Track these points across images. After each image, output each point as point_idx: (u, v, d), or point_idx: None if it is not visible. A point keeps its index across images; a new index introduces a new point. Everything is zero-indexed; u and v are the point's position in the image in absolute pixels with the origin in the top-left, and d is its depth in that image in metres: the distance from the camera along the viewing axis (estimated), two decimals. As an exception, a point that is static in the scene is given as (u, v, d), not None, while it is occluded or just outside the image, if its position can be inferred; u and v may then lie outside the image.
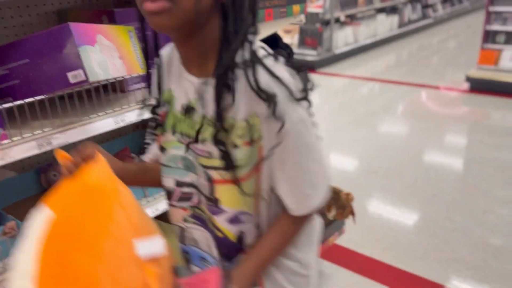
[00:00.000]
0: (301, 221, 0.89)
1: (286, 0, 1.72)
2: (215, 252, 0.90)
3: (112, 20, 1.36)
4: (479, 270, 2.19)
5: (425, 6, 9.41)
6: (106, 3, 1.65)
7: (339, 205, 2.01)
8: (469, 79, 5.05)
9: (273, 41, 1.78)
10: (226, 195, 0.83)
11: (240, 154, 0.79)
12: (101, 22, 1.39)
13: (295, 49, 6.45)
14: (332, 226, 2.09)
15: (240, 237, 0.88)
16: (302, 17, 1.86)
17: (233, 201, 0.84)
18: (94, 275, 0.69)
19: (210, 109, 0.79)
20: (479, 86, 5.00)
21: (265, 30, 1.74)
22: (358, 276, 2.18)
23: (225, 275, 0.84)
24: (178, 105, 0.87)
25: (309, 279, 0.99)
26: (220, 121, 0.77)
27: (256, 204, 0.86)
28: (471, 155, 3.51)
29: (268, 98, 0.74)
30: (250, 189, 0.83)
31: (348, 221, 2.20)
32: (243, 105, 0.77)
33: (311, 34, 6.44)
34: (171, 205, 0.93)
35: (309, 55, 6.34)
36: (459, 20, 10.26)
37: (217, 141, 0.78)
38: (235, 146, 0.79)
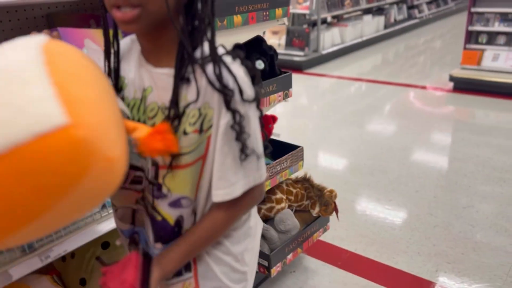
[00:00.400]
0: (233, 210, 0.93)
1: (269, 4, 1.78)
2: (151, 236, 0.95)
3: (99, 25, 1.40)
4: (459, 263, 2.26)
5: (411, 7, 9.55)
6: (94, 8, 1.69)
7: (322, 202, 2.08)
8: (452, 78, 5.16)
9: (257, 43, 1.84)
10: (170, 180, 0.89)
11: (188, 141, 0.85)
12: (89, 26, 1.43)
13: (283, 50, 6.52)
14: (316, 222, 2.15)
15: (179, 221, 0.92)
16: (285, 20, 1.92)
17: (175, 186, 0.89)
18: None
19: (164, 97, 0.86)
20: (462, 86, 5.11)
21: (249, 33, 1.79)
22: (343, 272, 2.24)
23: (146, 260, 0.88)
24: (129, 92, 0.93)
25: (246, 275, 1.04)
26: (174, 109, 0.84)
27: (196, 190, 0.91)
28: (454, 153, 3.60)
29: (224, 91, 0.81)
30: (193, 175, 0.89)
31: (333, 218, 2.27)
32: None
33: (299, 35, 6.51)
34: (123, 187, 0.96)
35: (297, 55, 6.42)
36: (444, 21, 10.42)
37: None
38: (185, 133, 0.85)
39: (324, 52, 6.69)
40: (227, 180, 0.88)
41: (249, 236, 1.04)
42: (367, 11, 8.14)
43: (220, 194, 0.89)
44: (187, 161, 0.87)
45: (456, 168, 3.30)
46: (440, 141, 3.87)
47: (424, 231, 2.54)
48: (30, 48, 0.69)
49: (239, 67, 0.85)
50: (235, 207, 0.92)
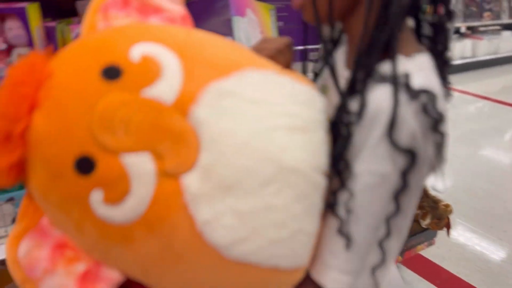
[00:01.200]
0: None
1: None
2: None
3: (257, -2, 1.46)
4: None
5: (561, 29, 8.55)
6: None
7: (435, 215, 1.98)
8: None
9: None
10: None
11: None
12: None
13: (406, 54, 6.24)
14: (423, 234, 2.06)
15: None
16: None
17: None
18: None
19: (333, 104, 0.66)
20: None
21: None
22: (440, 291, 2.13)
23: None
24: (318, 83, 0.83)
25: None
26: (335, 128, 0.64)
27: None
28: None
29: (342, 125, 0.61)
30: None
31: (440, 234, 2.15)
32: None
33: (426, 41, 6.19)
34: None
35: (420, 62, 6.11)
36: None
37: None
38: None
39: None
40: (336, 260, 0.63)
41: None
42: (507, 27, 7.45)
43: (314, 271, 0.65)
44: None
45: None
46: None
47: (541, 272, 2.31)
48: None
49: (414, 114, 0.58)
50: None
